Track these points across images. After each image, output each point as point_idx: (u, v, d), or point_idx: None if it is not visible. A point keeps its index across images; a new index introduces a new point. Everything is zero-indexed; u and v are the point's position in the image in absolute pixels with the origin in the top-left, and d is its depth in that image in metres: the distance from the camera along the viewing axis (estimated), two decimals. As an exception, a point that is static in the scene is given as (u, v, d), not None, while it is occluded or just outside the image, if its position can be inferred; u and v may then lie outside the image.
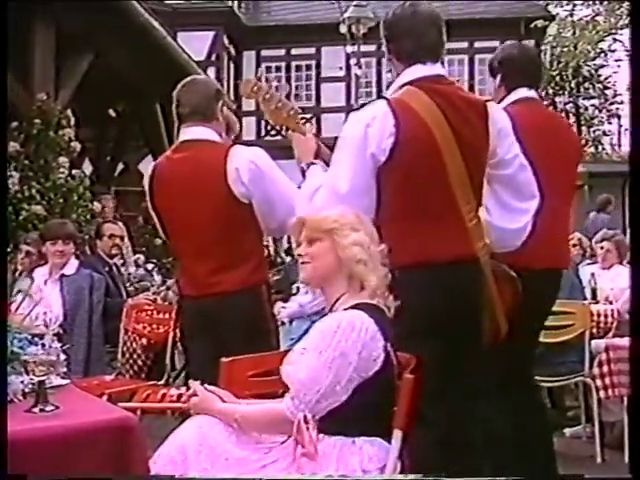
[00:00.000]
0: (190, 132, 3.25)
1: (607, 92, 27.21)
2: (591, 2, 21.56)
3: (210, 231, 3.17)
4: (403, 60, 2.82)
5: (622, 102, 24.62)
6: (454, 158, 2.71)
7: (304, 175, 2.88)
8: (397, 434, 2.31)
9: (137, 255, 8.63)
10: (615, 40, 23.70)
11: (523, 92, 3.35)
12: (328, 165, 2.87)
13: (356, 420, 2.29)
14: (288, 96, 3.08)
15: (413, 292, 2.56)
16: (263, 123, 19.81)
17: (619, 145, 26.26)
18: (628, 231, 4.95)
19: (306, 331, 2.80)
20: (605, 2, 20.30)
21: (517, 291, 2.94)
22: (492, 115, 2.83)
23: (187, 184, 3.19)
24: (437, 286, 2.66)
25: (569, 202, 3.50)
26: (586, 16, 22.78)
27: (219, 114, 3.27)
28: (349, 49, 15.47)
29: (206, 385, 2.51)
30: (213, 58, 18.68)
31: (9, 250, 6.51)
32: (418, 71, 2.78)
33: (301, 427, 2.22)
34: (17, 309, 2.59)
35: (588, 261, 6.46)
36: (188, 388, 2.55)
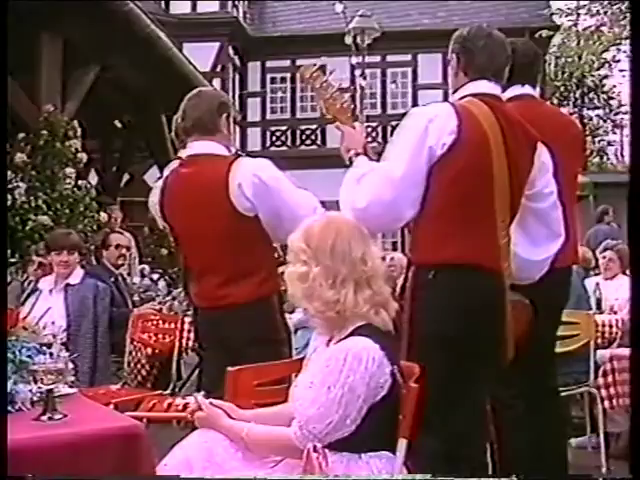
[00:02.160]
0: (195, 146, 3.26)
1: (611, 102, 27.24)
2: (595, 12, 21.60)
3: (217, 245, 3.18)
4: (471, 74, 2.92)
5: (627, 112, 24.62)
6: (501, 172, 2.78)
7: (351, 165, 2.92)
8: (402, 443, 2.31)
9: (142, 265, 8.67)
10: (619, 50, 23.74)
11: (516, 90, 3.38)
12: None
13: (363, 437, 2.28)
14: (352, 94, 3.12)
15: (448, 290, 2.64)
16: (268, 134, 19.90)
17: (623, 155, 26.27)
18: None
19: (309, 341, 2.81)
20: (609, 13, 20.34)
21: (530, 319, 2.98)
22: (539, 148, 2.92)
23: (192, 199, 3.20)
24: (470, 288, 2.72)
25: (572, 198, 3.52)
26: (590, 26, 22.82)
27: (223, 127, 3.27)
28: (354, 60, 15.52)
29: (212, 400, 2.51)
30: (218, 69, 18.74)
31: (15, 260, 6.56)
32: (483, 86, 2.89)
33: (311, 456, 2.22)
34: (25, 317, 2.61)
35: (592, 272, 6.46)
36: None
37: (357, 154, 2.90)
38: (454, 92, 2.95)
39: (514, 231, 2.93)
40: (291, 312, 6.16)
